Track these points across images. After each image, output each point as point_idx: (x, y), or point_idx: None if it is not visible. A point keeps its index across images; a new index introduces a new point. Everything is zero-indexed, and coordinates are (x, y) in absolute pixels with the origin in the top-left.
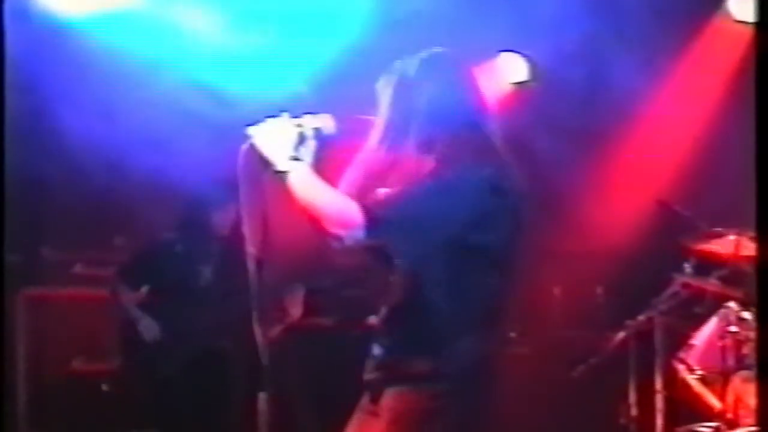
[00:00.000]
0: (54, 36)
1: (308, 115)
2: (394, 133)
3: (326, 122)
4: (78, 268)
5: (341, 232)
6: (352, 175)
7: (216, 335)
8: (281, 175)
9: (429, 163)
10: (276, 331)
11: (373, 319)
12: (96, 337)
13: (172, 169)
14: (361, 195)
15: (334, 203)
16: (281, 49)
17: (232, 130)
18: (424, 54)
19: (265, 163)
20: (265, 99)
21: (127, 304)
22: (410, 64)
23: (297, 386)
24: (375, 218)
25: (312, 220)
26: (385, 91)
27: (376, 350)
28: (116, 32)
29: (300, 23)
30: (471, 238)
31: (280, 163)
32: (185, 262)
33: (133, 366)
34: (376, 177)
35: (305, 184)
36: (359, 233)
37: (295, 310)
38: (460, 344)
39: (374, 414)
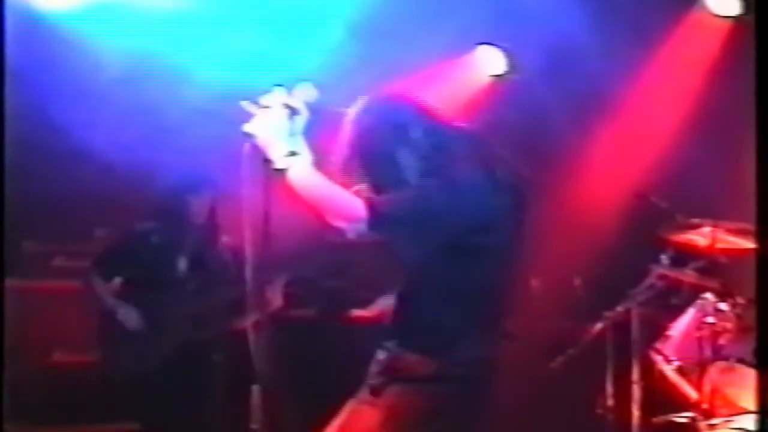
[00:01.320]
0: (35, 27)
1: (294, 90)
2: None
3: (310, 92)
4: (59, 261)
5: (344, 225)
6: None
7: (194, 326)
8: (281, 171)
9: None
10: (254, 319)
11: (357, 312)
12: (76, 329)
13: (152, 160)
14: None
15: (336, 196)
16: (273, 40)
17: (218, 121)
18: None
19: (266, 160)
20: (256, 90)
21: (102, 295)
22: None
23: (283, 378)
24: (379, 213)
25: (315, 213)
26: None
27: (381, 355)
28: (103, 24)
29: (289, 17)
30: (473, 239)
31: (279, 160)
32: (161, 252)
33: (111, 358)
34: None
35: (305, 179)
36: (362, 227)
37: (276, 300)
38: (463, 345)
39: (372, 405)
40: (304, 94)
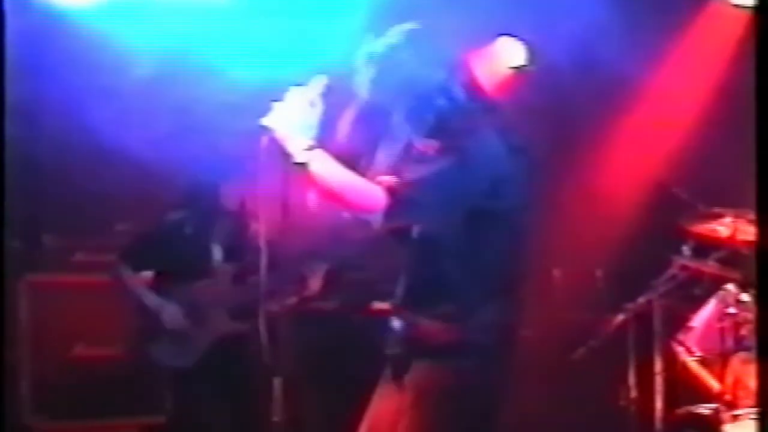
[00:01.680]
0: (56, 24)
1: (311, 82)
2: (377, 111)
3: (323, 83)
4: (79, 255)
5: (368, 216)
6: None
7: (231, 318)
8: (301, 166)
9: (432, 145)
10: (292, 302)
11: (378, 305)
12: (98, 323)
13: (174, 155)
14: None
15: (358, 188)
16: (287, 33)
17: (236, 111)
18: (402, 29)
19: (285, 154)
20: (271, 84)
21: (136, 289)
22: (390, 40)
23: (303, 371)
24: (400, 200)
25: (339, 205)
26: (365, 69)
27: (396, 324)
28: (117, 19)
29: (303, 7)
30: (488, 206)
31: (299, 155)
32: (195, 242)
33: (149, 356)
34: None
35: (327, 172)
36: (382, 217)
37: (315, 284)
38: (481, 313)
39: (396, 388)
40: (320, 86)
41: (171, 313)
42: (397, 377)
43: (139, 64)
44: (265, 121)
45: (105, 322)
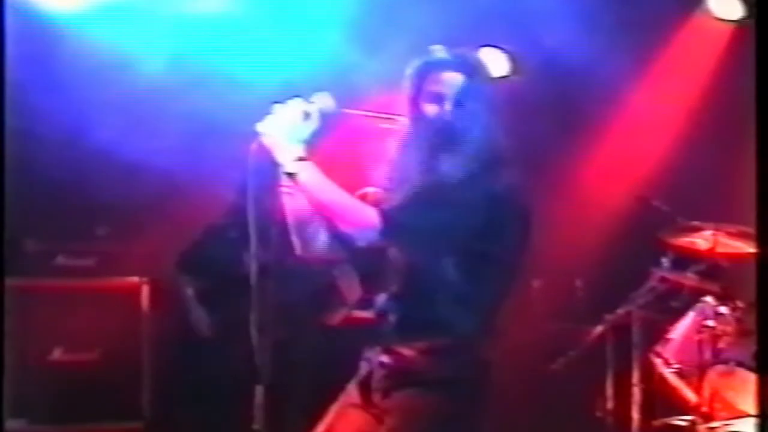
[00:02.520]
0: (50, 29)
1: (313, 97)
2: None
3: (327, 102)
4: (60, 260)
5: (355, 232)
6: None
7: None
8: (290, 175)
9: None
10: (339, 316)
11: (358, 313)
12: (78, 328)
13: (153, 159)
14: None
15: (348, 203)
16: (283, 38)
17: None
18: (459, 52)
19: (274, 161)
20: (268, 89)
21: (188, 298)
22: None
23: (285, 379)
24: (390, 221)
25: (328, 218)
26: (410, 83)
27: (385, 359)
28: (110, 25)
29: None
30: (479, 246)
31: (289, 164)
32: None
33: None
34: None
35: (316, 184)
36: (373, 235)
37: (353, 293)
38: (471, 347)
39: (366, 409)
40: (321, 103)
41: (199, 317)
42: (377, 406)
43: (126, 70)
44: (259, 126)
45: (85, 326)
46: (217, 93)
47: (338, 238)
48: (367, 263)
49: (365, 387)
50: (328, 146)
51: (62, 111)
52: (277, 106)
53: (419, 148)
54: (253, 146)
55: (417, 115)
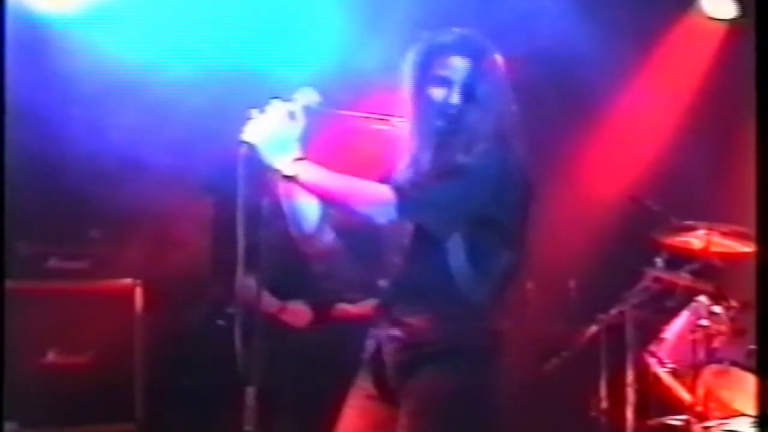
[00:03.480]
0: (39, 32)
1: (296, 95)
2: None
3: (312, 98)
4: (53, 262)
5: (372, 211)
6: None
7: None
8: (290, 178)
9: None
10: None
11: (345, 306)
12: (71, 330)
13: (149, 162)
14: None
15: (359, 185)
16: (278, 44)
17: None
18: (464, 34)
19: (270, 168)
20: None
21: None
22: (450, 44)
23: (276, 380)
24: (405, 196)
25: (342, 207)
26: (415, 68)
27: (395, 332)
28: (108, 29)
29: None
30: (488, 215)
31: (287, 167)
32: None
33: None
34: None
35: (320, 178)
36: (391, 210)
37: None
38: (480, 318)
39: (390, 401)
40: (305, 99)
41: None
42: (393, 388)
43: (119, 70)
44: (245, 136)
45: (78, 329)
46: (215, 95)
47: (355, 220)
48: (371, 245)
49: (378, 370)
50: (320, 148)
51: (57, 114)
52: (255, 111)
53: (427, 135)
54: (243, 150)
55: (423, 102)
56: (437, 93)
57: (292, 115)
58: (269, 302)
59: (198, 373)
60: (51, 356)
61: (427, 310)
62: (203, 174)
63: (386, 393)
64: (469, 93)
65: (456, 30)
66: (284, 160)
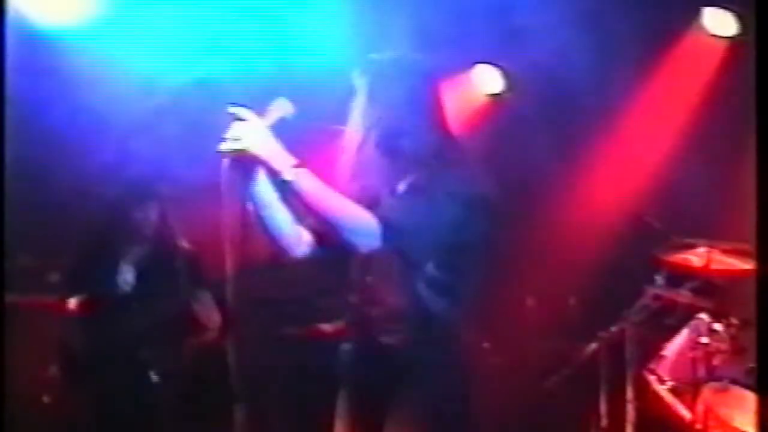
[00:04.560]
0: (38, 44)
1: (271, 105)
2: (365, 134)
3: (286, 107)
4: (54, 276)
5: (357, 240)
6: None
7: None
8: (288, 183)
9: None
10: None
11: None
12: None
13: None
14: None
15: (348, 211)
16: (267, 60)
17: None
18: (394, 55)
19: (250, 173)
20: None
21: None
22: (380, 65)
23: (264, 396)
24: (388, 225)
25: (327, 225)
26: (360, 89)
27: (371, 352)
28: (100, 39)
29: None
30: (458, 240)
31: (287, 171)
32: (109, 266)
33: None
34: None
35: (316, 191)
36: (375, 241)
37: (213, 321)
38: (453, 337)
39: (369, 420)
40: (280, 110)
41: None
42: (371, 407)
43: (126, 85)
44: (236, 143)
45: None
46: (217, 106)
47: (338, 244)
48: (343, 263)
49: (355, 389)
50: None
51: (58, 129)
52: (236, 121)
53: (369, 154)
54: (225, 161)
55: (364, 122)
56: (369, 114)
57: (272, 126)
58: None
59: (188, 389)
60: (52, 371)
61: (400, 331)
62: (208, 187)
63: (365, 412)
64: (395, 114)
65: (387, 53)
66: (284, 164)
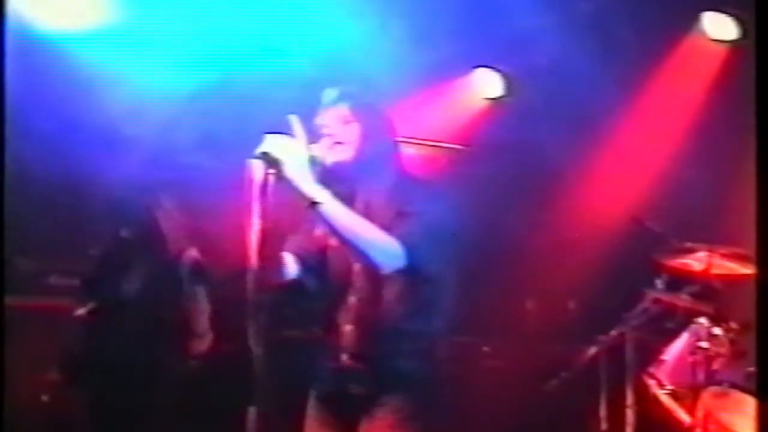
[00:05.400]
0: (40, 52)
1: (313, 146)
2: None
3: (322, 151)
4: (53, 279)
5: (381, 261)
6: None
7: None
8: (316, 205)
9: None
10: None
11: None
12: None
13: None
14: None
15: (374, 235)
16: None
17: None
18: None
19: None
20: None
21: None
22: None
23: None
24: (413, 249)
25: (352, 251)
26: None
27: (356, 365)
28: (106, 47)
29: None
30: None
31: (315, 193)
32: (116, 272)
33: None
34: None
35: (341, 215)
36: (400, 262)
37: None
38: (430, 351)
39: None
40: (319, 152)
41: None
42: (352, 418)
43: (124, 90)
44: (273, 150)
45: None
46: (216, 111)
47: (364, 266)
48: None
49: (337, 401)
50: None
51: (58, 132)
52: (282, 135)
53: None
54: (260, 171)
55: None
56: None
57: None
58: None
59: (199, 391)
60: (52, 374)
61: (384, 347)
62: (208, 193)
63: (345, 423)
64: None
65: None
66: (313, 186)
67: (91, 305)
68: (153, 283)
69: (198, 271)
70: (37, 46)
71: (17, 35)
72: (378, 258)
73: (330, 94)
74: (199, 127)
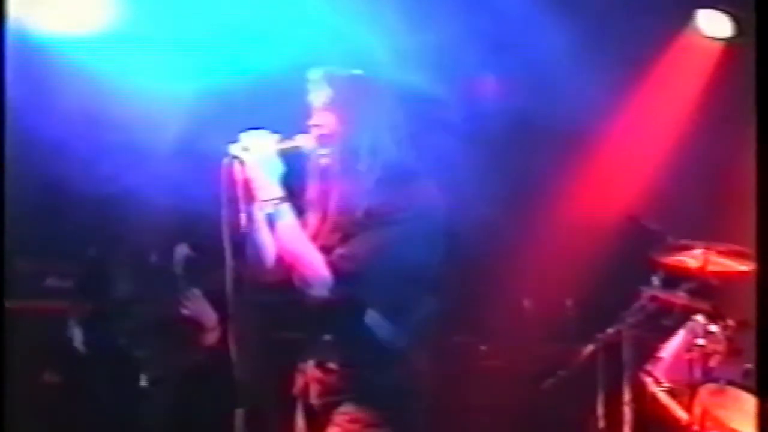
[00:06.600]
0: (39, 56)
1: (297, 136)
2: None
3: (305, 141)
4: (51, 281)
5: (308, 289)
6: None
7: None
8: (268, 215)
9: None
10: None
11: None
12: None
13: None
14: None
15: (307, 260)
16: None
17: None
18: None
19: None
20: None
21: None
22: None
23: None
24: (340, 273)
25: (289, 266)
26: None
27: (320, 375)
28: (105, 51)
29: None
30: (411, 274)
31: (268, 205)
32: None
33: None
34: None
35: (288, 230)
36: (324, 292)
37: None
38: (412, 360)
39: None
40: (300, 143)
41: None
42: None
43: (123, 95)
44: (237, 151)
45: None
46: (212, 118)
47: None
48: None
49: (305, 405)
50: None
51: (57, 135)
52: (253, 134)
53: (323, 175)
54: (236, 168)
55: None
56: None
57: (282, 153)
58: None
59: (188, 393)
60: (49, 376)
61: (348, 359)
62: (203, 195)
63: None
64: (372, 130)
65: (331, 68)
66: (269, 196)
67: (85, 304)
68: (147, 279)
69: (191, 267)
70: (37, 50)
71: (17, 38)
72: (303, 284)
73: (314, 74)
74: (193, 129)
